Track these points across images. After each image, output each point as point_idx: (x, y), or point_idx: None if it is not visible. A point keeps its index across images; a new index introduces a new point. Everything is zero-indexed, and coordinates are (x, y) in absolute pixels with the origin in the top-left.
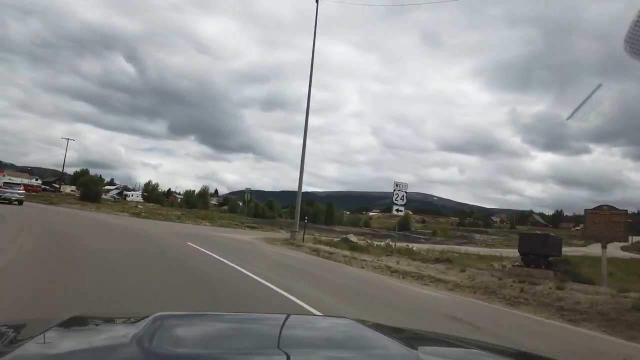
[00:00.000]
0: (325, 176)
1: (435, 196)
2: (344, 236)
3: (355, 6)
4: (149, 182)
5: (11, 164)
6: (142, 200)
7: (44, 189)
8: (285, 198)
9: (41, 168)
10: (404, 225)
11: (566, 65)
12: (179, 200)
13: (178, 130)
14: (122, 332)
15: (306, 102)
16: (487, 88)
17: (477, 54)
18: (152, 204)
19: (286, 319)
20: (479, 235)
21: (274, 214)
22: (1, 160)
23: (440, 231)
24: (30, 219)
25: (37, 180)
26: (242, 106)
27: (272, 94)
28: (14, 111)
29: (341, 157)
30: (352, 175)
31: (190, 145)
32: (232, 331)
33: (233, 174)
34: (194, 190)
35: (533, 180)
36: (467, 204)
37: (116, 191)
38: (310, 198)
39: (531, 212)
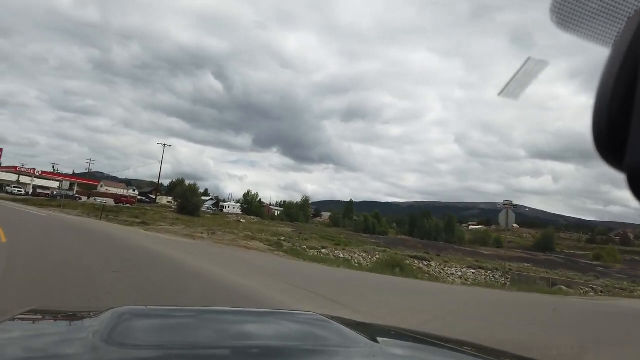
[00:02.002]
0: (406, 186)
1: (526, 207)
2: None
3: (436, 11)
4: (248, 192)
5: (114, 176)
6: (240, 213)
7: (139, 200)
8: (365, 208)
9: (140, 180)
10: (546, 245)
11: None
12: (275, 212)
13: (262, 143)
14: (79, 326)
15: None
16: (584, 90)
17: (574, 55)
18: (252, 217)
19: (251, 313)
20: None
21: (383, 228)
22: (106, 173)
23: (605, 256)
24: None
25: (134, 190)
26: (323, 118)
27: (352, 105)
28: (118, 128)
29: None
30: (434, 185)
31: (273, 157)
32: (192, 325)
33: (313, 185)
34: (294, 202)
35: None
36: (563, 216)
37: (211, 202)
38: (392, 209)
39: None
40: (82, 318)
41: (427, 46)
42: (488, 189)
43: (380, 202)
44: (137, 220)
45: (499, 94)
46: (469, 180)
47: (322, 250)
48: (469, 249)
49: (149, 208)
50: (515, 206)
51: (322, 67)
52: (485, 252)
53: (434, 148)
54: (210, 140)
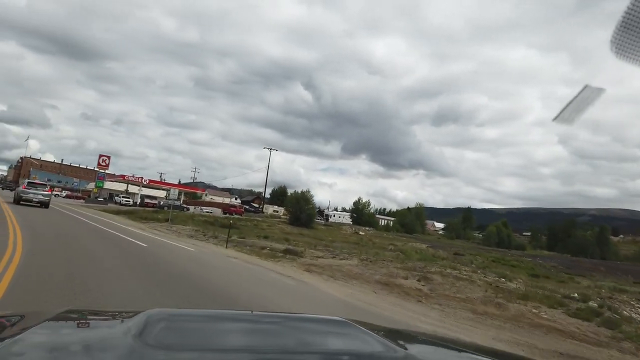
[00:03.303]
0: (504, 191)
1: None
2: None
3: (536, 5)
4: (359, 199)
5: (214, 186)
6: (350, 222)
7: (245, 210)
8: (459, 215)
9: (237, 189)
10: None
11: None
12: (383, 221)
13: (350, 150)
14: (114, 326)
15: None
16: None
17: None
18: (366, 228)
19: (279, 317)
20: None
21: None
22: (206, 182)
23: None
24: None
25: (236, 199)
26: (412, 122)
27: (443, 108)
28: (216, 141)
29: (522, 170)
30: (535, 190)
31: (362, 164)
32: (223, 329)
33: (403, 191)
34: (408, 208)
35: None
36: None
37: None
38: (488, 216)
39: None
40: (117, 319)
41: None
42: (599, 193)
43: (475, 208)
44: (279, 248)
45: (554, 120)
46: (575, 184)
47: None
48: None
49: (259, 219)
50: (631, 212)
51: (411, 71)
52: None
53: (534, 150)
54: (300, 149)
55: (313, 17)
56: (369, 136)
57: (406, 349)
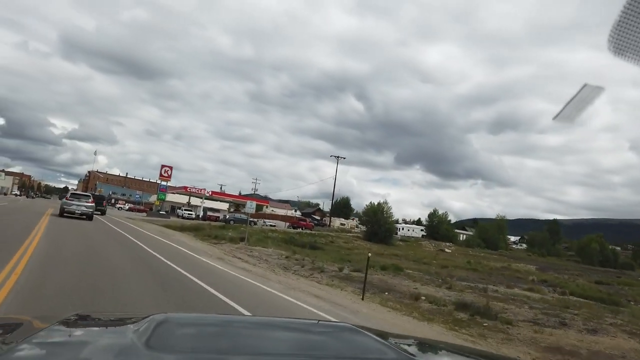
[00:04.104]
0: (569, 201)
1: None
2: None
3: (602, 3)
4: (434, 211)
5: (269, 197)
6: (420, 236)
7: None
8: (521, 227)
9: (291, 201)
10: None
11: None
12: (462, 236)
13: (404, 160)
14: (120, 331)
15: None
16: None
17: None
18: (447, 243)
19: (286, 323)
20: None
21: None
22: (260, 194)
23: None
24: None
25: (295, 211)
26: (468, 131)
27: (501, 115)
28: (270, 153)
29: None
30: (604, 199)
31: (416, 174)
32: (229, 335)
33: (460, 202)
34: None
35: None
36: None
37: (422, 231)
38: (553, 228)
39: None
40: (124, 323)
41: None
42: None
43: (538, 220)
44: (439, 298)
45: (554, 119)
46: None
47: None
48: None
49: (332, 234)
50: None
51: (466, 78)
52: None
53: (602, 157)
54: (352, 160)
55: (365, 28)
56: (423, 145)
57: (415, 356)
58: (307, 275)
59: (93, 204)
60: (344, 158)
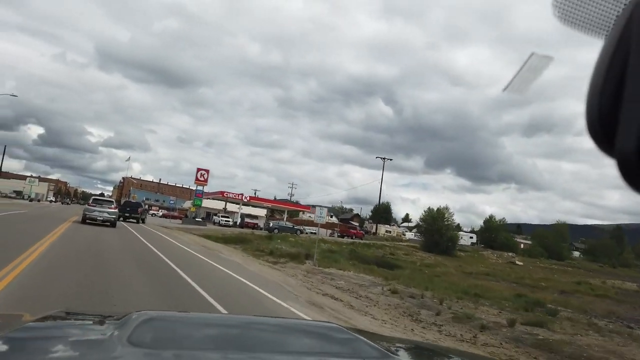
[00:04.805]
0: (608, 206)
1: None
2: None
3: None
4: (490, 217)
5: (298, 202)
6: (469, 243)
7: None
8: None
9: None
10: None
11: None
12: (521, 245)
13: (434, 165)
14: (102, 328)
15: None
16: None
17: None
18: (509, 254)
19: (271, 322)
20: None
21: None
22: (289, 199)
23: None
24: None
25: (332, 217)
26: (501, 134)
27: (535, 117)
28: (298, 158)
29: None
30: None
31: (447, 178)
32: (211, 333)
33: (492, 206)
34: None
35: None
36: None
37: (470, 239)
38: (588, 233)
39: None
40: (106, 321)
41: None
42: None
43: (575, 225)
44: None
45: (503, 90)
46: None
47: None
48: None
49: (389, 245)
50: None
51: (498, 80)
52: None
53: None
54: (381, 165)
55: (393, 32)
56: (454, 149)
57: (398, 355)
58: (469, 338)
59: (116, 210)
60: (391, 159)
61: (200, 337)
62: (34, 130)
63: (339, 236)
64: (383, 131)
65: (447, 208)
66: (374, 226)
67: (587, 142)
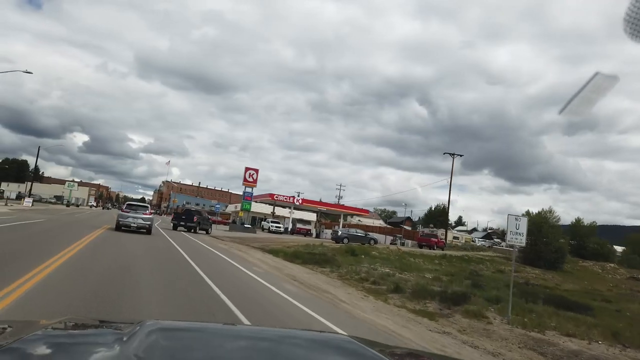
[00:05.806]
0: None
1: None
2: None
3: None
4: (577, 219)
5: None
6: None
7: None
8: (603, 235)
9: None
10: None
11: None
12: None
13: (471, 166)
14: (109, 337)
15: (625, 118)
16: None
17: None
18: (613, 265)
19: (280, 333)
20: None
21: None
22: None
23: None
24: None
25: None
26: (541, 133)
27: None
28: (333, 161)
29: None
30: None
31: (484, 179)
32: (220, 343)
33: (533, 207)
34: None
35: None
36: None
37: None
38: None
39: None
40: (113, 329)
41: None
42: None
43: (622, 226)
44: None
45: (559, 113)
46: None
47: None
48: None
49: (482, 257)
50: None
51: (538, 78)
52: None
53: None
54: (416, 166)
55: (428, 32)
56: (492, 150)
57: None
58: None
59: (151, 216)
60: (462, 155)
61: (208, 347)
62: (80, 138)
63: (418, 246)
64: (418, 132)
65: (551, 211)
66: (440, 232)
67: (634, 140)
